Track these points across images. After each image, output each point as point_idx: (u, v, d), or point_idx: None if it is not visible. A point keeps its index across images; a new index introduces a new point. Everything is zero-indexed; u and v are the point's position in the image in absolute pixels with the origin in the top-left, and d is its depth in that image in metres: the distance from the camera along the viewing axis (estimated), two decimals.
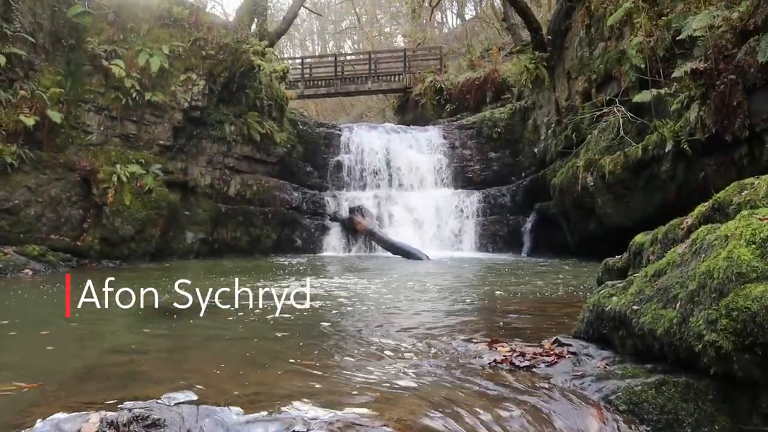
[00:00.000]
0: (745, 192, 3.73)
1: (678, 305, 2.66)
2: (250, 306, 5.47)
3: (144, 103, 13.08)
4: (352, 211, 14.07)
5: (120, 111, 12.96)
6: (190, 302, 5.74)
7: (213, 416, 2.32)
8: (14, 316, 5.02)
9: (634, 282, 3.22)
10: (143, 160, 12.80)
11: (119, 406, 2.38)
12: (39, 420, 2.27)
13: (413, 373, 3.00)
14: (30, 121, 11.34)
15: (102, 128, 12.92)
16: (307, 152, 15.85)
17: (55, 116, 11.84)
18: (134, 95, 12.84)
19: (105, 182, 12.13)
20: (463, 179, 15.96)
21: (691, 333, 2.50)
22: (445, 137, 16.55)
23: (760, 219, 2.68)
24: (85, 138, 12.73)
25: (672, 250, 3.22)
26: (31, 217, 11.40)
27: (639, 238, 4.62)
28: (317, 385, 2.82)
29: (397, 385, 2.82)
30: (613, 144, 11.22)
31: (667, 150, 9.17)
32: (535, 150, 15.19)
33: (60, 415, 2.31)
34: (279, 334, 4.15)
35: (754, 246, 2.48)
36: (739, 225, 2.68)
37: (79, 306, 5.92)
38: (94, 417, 2.27)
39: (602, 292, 3.35)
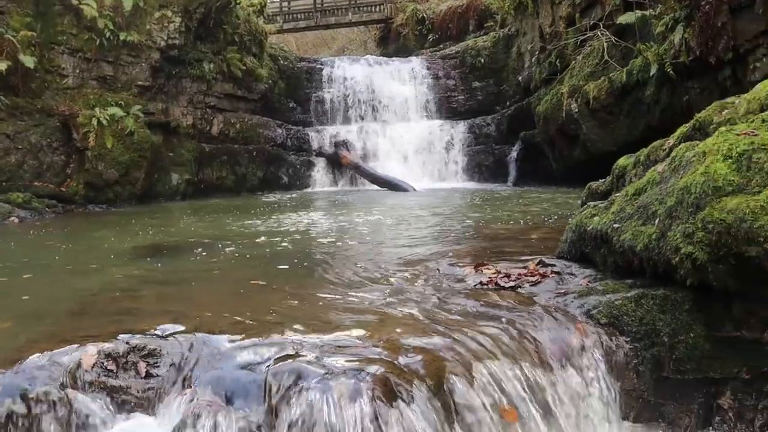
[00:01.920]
0: (726, 111, 3.75)
1: (657, 221, 2.73)
2: (240, 241, 5.53)
3: (119, 44, 12.70)
4: (337, 145, 14.01)
5: (95, 52, 12.59)
6: (180, 240, 5.80)
7: (207, 343, 2.39)
8: (5, 261, 5.04)
9: (615, 201, 3.28)
10: (122, 102, 12.55)
11: (116, 338, 2.44)
12: (37, 354, 2.33)
13: (400, 297, 3.08)
14: (2, 66, 11.02)
15: (78, 71, 12.59)
16: (289, 88, 15.60)
17: (28, 60, 11.50)
18: (108, 35, 12.45)
19: (85, 126, 11.92)
20: (447, 110, 15.84)
21: (669, 247, 2.57)
22: (428, 68, 16.32)
23: (737, 134, 2.71)
24: (61, 82, 12.41)
25: (652, 168, 3.27)
26: (13, 165, 11.24)
27: (622, 161, 4.66)
28: (307, 313, 2.90)
29: (385, 309, 2.90)
30: (597, 69, 11.12)
31: (651, 74, 9.13)
32: (520, 78, 15.04)
33: (59, 349, 2.37)
34: (269, 267, 4.21)
35: (730, 160, 2.52)
36: (717, 141, 2.71)
37: (69, 248, 5.95)
38: (92, 349, 2.34)
39: (584, 212, 3.42)
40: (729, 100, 3.86)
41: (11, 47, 11.30)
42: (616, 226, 3.02)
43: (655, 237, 2.69)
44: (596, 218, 3.27)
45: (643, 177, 3.40)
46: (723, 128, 2.86)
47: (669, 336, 2.61)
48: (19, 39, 11.46)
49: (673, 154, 3.08)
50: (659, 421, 2.64)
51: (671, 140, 3.99)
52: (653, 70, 8.97)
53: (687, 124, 3.88)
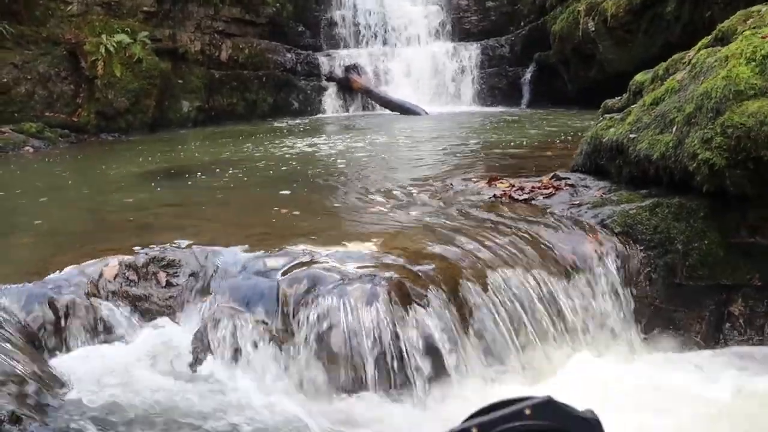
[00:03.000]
0: (751, 20, 3.61)
1: (674, 129, 2.68)
2: (251, 164, 5.53)
3: None
4: (347, 69, 13.72)
5: None
6: (192, 164, 5.82)
7: (223, 254, 2.43)
8: (23, 187, 5.10)
9: (632, 112, 3.22)
10: (129, 29, 12.31)
11: (135, 249, 2.49)
12: (60, 266, 2.39)
13: (413, 210, 3.09)
14: None
15: None
16: (297, 11, 15.16)
17: None
18: None
19: (92, 54, 11.75)
20: (460, 31, 15.38)
21: (686, 154, 2.53)
22: None
23: (762, 37, 2.63)
24: (66, 9, 12.17)
25: (671, 77, 3.19)
26: (23, 95, 11.19)
27: (639, 76, 4.53)
28: (320, 226, 2.92)
29: (399, 222, 2.92)
30: None
31: None
32: None
33: (81, 262, 2.42)
34: (283, 186, 4.22)
35: (753, 63, 2.44)
36: (740, 45, 2.63)
37: (83, 174, 6.01)
38: (113, 260, 2.39)
39: (600, 124, 3.37)
40: (754, 8, 3.71)
41: None
42: (632, 136, 2.97)
43: (672, 145, 2.65)
44: (612, 129, 3.21)
45: (660, 88, 3.32)
46: (747, 31, 2.77)
47: (683, 243, 2.61)
48: None
49: (693, 60, 3.00)
50: (670, 328, 2.68)
51: (692, 52, 3.87)
52: None
53: (709, 36, 3.76)
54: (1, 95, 10.98)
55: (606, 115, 3.50)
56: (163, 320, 2.23)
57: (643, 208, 2.75)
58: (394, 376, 2.03)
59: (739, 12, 3.73)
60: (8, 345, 1.98)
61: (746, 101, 2.36)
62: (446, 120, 10.72)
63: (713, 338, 2.66)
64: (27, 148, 9.68)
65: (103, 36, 11.91)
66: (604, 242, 2.73)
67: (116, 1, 12.59)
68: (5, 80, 11.05)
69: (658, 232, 2.66)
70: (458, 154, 5.50)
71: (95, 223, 3.34)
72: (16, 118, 10.86)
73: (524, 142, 6.07)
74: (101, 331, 2.17)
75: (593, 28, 11.00)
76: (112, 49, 11.88)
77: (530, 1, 14.94)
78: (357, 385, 2.03)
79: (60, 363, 2.10)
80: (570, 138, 6.33)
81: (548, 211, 2.99)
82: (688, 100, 2.67)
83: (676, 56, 4.04)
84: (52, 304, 2.16)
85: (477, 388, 2.10)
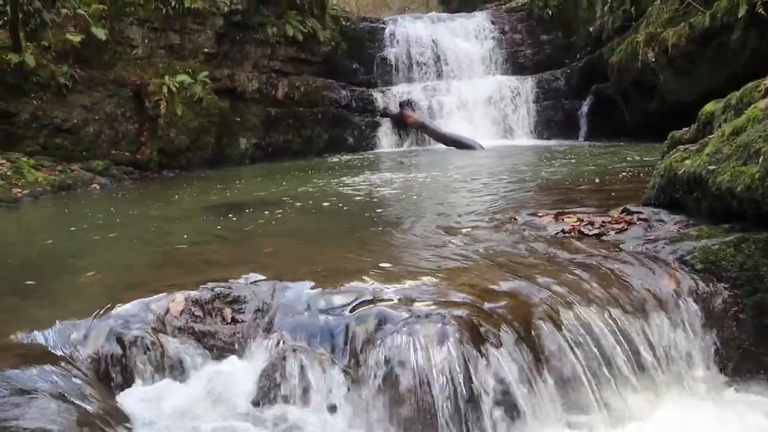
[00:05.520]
0: None
1: (761, 159, 2.52)
2: (310, 200, 5.55)
3: (184, 12, 12.89)
4: (402, 105, 13.82)
5: (162, 22, 12.83)
6: (251, 200, 5.88)
7: (287, 290, 2.40)
8: (91, 223, 5.24)
9: (709, 143, 3.06)
10: (190, 70, 12.78)
11: (200, 286, 2.48)
12: (128, 301, 2.40)
13: (479, 245, 3.00)
14: (76, 39, 11.39)
15: (146, 41, 12.88)
16: (352, 49, 15.45)
17: (100, 33, 11.84)
18: (174, 4, 12.64)
19: (156, 94, 12.23)
20: (514, 65, 15.35)
21: None
22: (493, 22, 15.78)
23: None
24: (132, 52, 12.74)
25: (752, 106, 3.03)
26: (91, 135, 11.69)
27: (709, 106, 4.37)
28: (384, 262, 2.85)
29: (464, 257, 2.83)
30: (677, 15, 10.49)
31: (739, 15, 8.52)
32: (591, 29, 14.36)
33: (147, 297, 2.43)
34: (341, 222, 4.20)
35: None
36: None
37: (148, 210, 6.15)
38: (179, 296, 2.39)
39: (674, 156, 3.22)
40: None
41: (84, 21, 11.64)
42: (711, 167, 2.82)
43: (759, 176, 2.49)
44: (688, 161, 3.07)
45: (740, 117, 3.16)
46: None
47: None
48: (90, 13, 11.80)
49: None
50: (761, 372, 2.48)
51: (767, 81, 3.70)
52: (741, 11, 8.36)
53: None
54: (71, 135, 11.51)
55: (680, 147, 3.35)
56: (228, 357, 2.20)
57: (727, 243, 2.59)
58: (466, 420, 1.93)
59: None
60: (78, 380, 1.97)
61: None
62: (502, 154, 10.61)
63: None
64: (94, 185, 10.05)
65: (166, 77, 12.38)
66: (684, 280, 2.57)
67: (178, 43, 13.12)
68: (75, 121, 11.59)
69: (745, 269, 2.49)
70: (519, 189, 5.39)
71: (161, 258, 3.38)
72: (84, 157, 11.33)
73: (586, 176, 5.91)
74: (167, 368, 2.15)
75: (653, 59, 10.78)
76: (174, 89, 12.34)
77: (586, 33, 14.81)
78: (427, 428, 1.94)
79: (126, 399, 2.08)
80: (633, 171, 6.13)
81: (622, 246, 2.85)
82: None
83: (749, 85, 3.87)
84: (119, 340, 2.15)
85: None
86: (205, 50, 13.41)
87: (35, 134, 11.15)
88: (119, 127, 12.10)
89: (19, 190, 8.08)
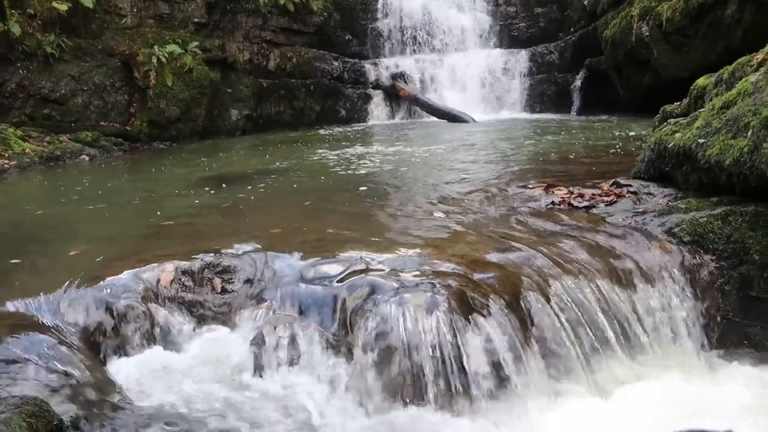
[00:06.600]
0: None
1: (750, 133, 2.53)
2: (301, 171, 5.54)
3: None
4: (394, 77, 13.72)
5: None
6: (242, 172, 5.86)
7: (278, 261, 2.40)
8: (81, 194, 5.21)
9: (699, 117, 3.07)
10: (180, 40, 12.60)
11: (190, 257, 2.48)
12: (117, 271, 2.40)
13: (470, 216, 3.01)
14: (63, 7, 11.17)
15: (135, 10, 12.66)
16: (344, 20, 15.27)
17: (87, 1, 11.62)
18: None
19: (145, 65, 12.06)
20: (508, 38, 15.22)
21: (763, 159, 2.39)
22: None
23: None
24: (120, 21, 12.53)
25: (743, 79, 3.03)
26: (80, 106, 11.54)
27: (701, 81, 4.35)
28: (375, 233, 2.87)
29: (455, 229, 2.84)
30: None
31: None
32: (585, 2, 14.23)
33: (137, 267, 2.43)
34: (332, 193, 4.20)
35: None
36: None
37: (138, 181, 6.12)
38: (170, 266, 2.39)
39: (664, 129, 3.22)
40: None
41: None
42: (701, 141, 2.83)
43: (748, 150, 2.50)
44: (678, 134, 3.07)
45: (731, 90, 3.16)
46: None
47: (760, 254, 2.46)
48: None
49: None
50: (744, 343, 2.52)
51: (760, 55, 3.69)
52: None
53: None
54: (59, 106, 11.36)
55: (671, 120, 3.35)
56: (218, 326, 2.21)
57: (715, 216, 2.61)
58: (455, 388, 1.95)
59: None
60: (68, 349, 1.98)
61: None
62: (495, 127, 10.58)
63: None
64: (83, 156, 9.96)
65: (155, 47, 12.21)
66: (671, 252, 2.60)
67: (168, 13, 12.90)
68: (63, 92, 11.43)
69: (732, 241, 2.52)
70: (510, 161, 5.39)
71: (151, 228, 3.37)
72: (73, 128, 11.20)
73: (578, 150, 5.92)
74: (157, 337, 2.16)
75: (647, 33, 10.71)
76: (163, 59, 12.17)
77: (580, 6, 14.68)
78: (416, 396, 1.96)
79: (117, 368, 2.09)
80: (625, 145, 6.14)
81: (610, 219, 2.86)
82: (764, 102, 2.52)
83: (742, 59, 3.85)
84: (109, 309, 2.16)
85: (542, 403, 2.01)
86: (195, 20, 13.21)
87: (22, 104, 10.99)
88: (108, 98, 11.95)
89: (6, 161, 8.00)
